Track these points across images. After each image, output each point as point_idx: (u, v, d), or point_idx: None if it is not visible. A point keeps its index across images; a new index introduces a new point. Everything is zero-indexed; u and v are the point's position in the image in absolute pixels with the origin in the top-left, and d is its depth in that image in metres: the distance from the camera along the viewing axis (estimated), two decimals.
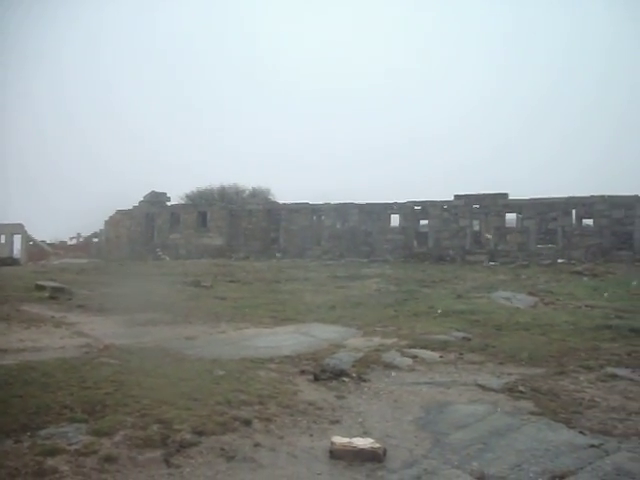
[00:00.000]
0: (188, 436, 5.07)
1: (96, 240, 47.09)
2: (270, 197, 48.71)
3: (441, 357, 8.87)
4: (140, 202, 42.73)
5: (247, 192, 49.86)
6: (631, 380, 7.64)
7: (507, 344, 9.77)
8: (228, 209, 39.41)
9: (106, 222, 44.24)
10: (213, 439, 5.12)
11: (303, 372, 7.65)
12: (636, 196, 28.28)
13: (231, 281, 20.77)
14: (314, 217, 37.10)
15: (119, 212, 43.16)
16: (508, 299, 16.01)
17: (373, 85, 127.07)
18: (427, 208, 33.40)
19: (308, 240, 36.25)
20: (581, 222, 30.13)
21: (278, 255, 35.16)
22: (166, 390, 6.28)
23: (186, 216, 39.96)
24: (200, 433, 5.17)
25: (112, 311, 13.12)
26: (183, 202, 46.53)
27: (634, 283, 20.05)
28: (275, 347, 9.16)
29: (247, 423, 5.54)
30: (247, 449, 5.03)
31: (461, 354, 9.11)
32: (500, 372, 8.02)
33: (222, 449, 4.97)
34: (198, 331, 10.73)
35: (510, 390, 7.03)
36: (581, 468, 4.72)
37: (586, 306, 14.79)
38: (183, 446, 4.93)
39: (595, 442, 5.29)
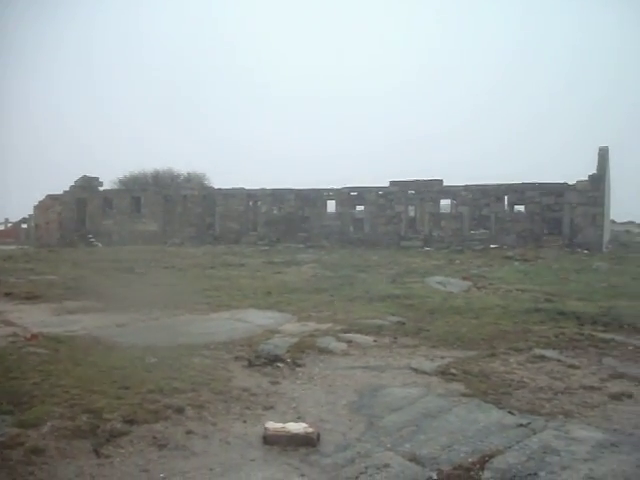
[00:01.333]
0: (118, 425, 4.98)
1: (25, 226, 45.73)
2: (206, 182, 48.17)
3: (375, 341, 8.94)
4: (71, 187, 41.58)
5: (182, 177, 49.17)
6: (558, 361, 7.87)
7: (440, 328, 9.91)
8: (162, 194, 38.81)
9: (35, 207, 42.94)
10: (144, 428, 5.04)
11: (237, 358, 7.59)
12: (565, 184, 29.09)
13: (165, 267, 20.46)
14: (250, 203, 36.90)
15: (49, 197, 41.95)
16: (442, 284, 16.26)
17: (313, 73, 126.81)
18: (363, 194, 33.60)
19: (244, 226, 36.03)
20: (513, 208, 30.84)
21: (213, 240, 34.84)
22: (96, 379, 6.14)
23: (119, 201, 39.18)
24: (131, 422, 5.08)
25: (41, 299, 12.76)
26: (116, 187, 45.52)
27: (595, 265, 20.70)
28: (209, 333, 9.06)
29: (180, 411, 5.47)
30: (179, 437, 4.97)
31: (395, 338, 9.20)
32: (433, 355, 8.12)
33: (154, 437, 4.90)
34: (130, 318, 10.51)
35: (442, 373, 7.14)
36: (509, 447, 4.82)
37: (517, 290, 15.15)
38: (113, 436, 4.84)
39: (523, 421, 5.43)
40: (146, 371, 6.60)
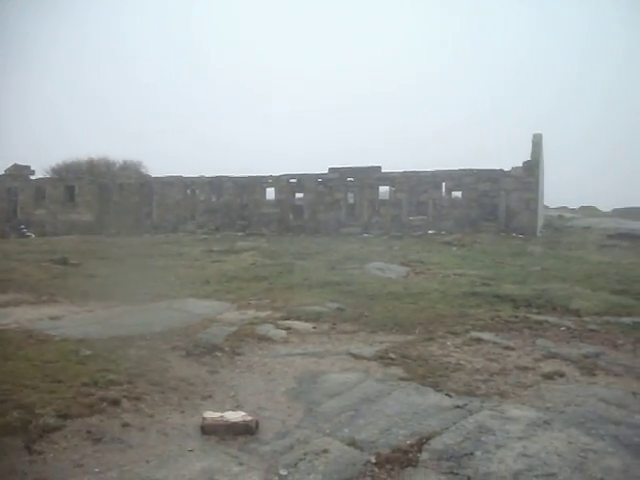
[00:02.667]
0: (51, 420, 4.85)
1: None
2: (142, 170, 47.26)
3: (315, 328, 8.95)
4: (0, 176, 40.20)
5: (118, 165, 48.07)
6: (494, 343, 8.04)
7: (379, 313, 10.00)
8: (97, 183, 37.86)
9: None
10: (79, 422, 4.92)
11: (175, 348, 7.48)
12: (501, 170, 29.57)
13: (101, 258, 20.00)
14: (188, 191, 36.34)
15: None
16: (381, 270, 16.39)
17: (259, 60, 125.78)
18: (302, 181, 33.50)
19: (182, 214, 35.55)
20: (451, 195, 31.21)
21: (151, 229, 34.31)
22: (28, 373, 5.97)
23: (52, 191, 38.00)
24: (65, 416, 4.96)
25: None
26: (49, 176, 44.22)
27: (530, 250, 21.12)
28: (146, 324, 8.90)
29: (115, 403, 5.36)
30: (115, 430, 4.88)
31: (334, 324, 9.23)
32: (372, 340, 8.19)
33: (88, 432, 4.79)
34: (64, 311, 10.25)
35: (381, 357, 7.21)
36: (447, 428, 4.90)
37: (454, 275, 15.38)
38: (46, 431, 4.71)
39: (460, 403, 5.53)
40: (80, 364, 6.44)
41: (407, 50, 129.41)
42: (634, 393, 5.99)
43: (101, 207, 37.17)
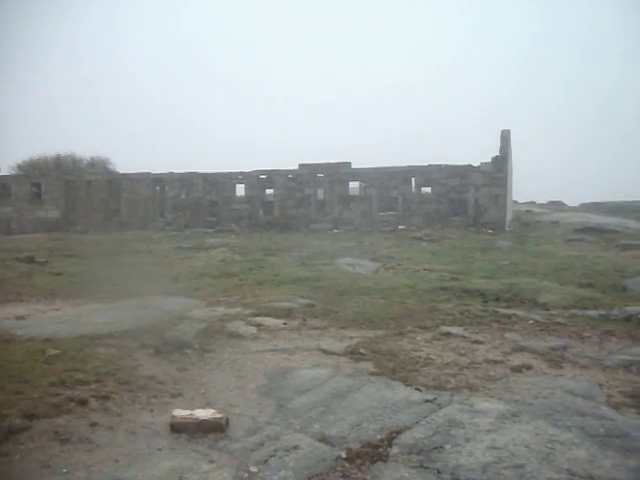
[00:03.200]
0: (17, 421, 4.76)
1: None
2: (110, 166, 46.75)
3: (285, 324, 8.93)
4: None
5: (85, 161, 47.49)
6: (463, 337, 8.09)
7: (349, 309, 10.01)
8: (65, 180, 37.33)
9: None
10: (46, 422, 4.84)
11: (144, 346, 7.40)
12: (470, 165, 29.81)
13: (69, 256, 19.78)
14: (157, 187, 36.07)
15: None
16: (351, 265, 16.43)
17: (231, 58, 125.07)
18: (272, 177, 33.45)
19: (151, 211, 35.27)
20: (420, 190, 31.38)
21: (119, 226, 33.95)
22: None
23: (18, 188, 37.39)
24: (31, 417, 4.87)
25: None
26: (14, 173, 43.53)
27: (498, 244, 21.27)
28: (115, 322, 8.80)
29: (83, 403, 5.28)
30: (83, 430, 4.80)
31: (305, 320, 9.23)
32: (342, 336, 8.19)
33: (56, 432, 4.71)
34: (31, 309, 10.11)
35: (351, 353, 7.22)
36: (416, 422, 4.92)
37: (424, 270, 15.49)
38: (12, 432, 4.61)
39: (430, 397, 5.55)
40: (47, 364, 6.34)
41: (382, 49, 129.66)
42: (600, 384, 6.08)
43: (68, 204, 36.70)
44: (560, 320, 9.24)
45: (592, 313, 9.79)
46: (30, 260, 17.59)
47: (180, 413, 4.92)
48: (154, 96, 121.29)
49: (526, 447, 4.39)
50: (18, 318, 9.28)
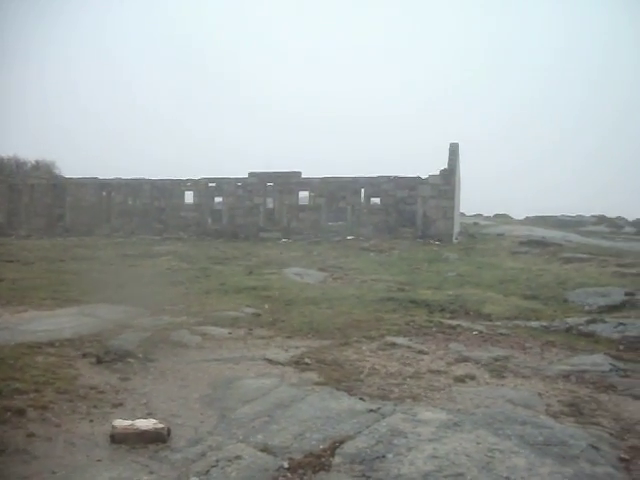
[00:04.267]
0: None
1: None
2: (55, 170, 45.83)
3: (230, 333, 8.88)
4: None
5: (29, 165, 46.48)
6: (408, 347, 8.16)
7: (296, 318, 10.02)
8: (7, 183, 36.49)
9: None
10: None
11: (85, 355, 7.26)
12: (418, 177, 30.14)
13: (9, 261, 19.28)
14: (103, 193, 35.48)
15: None
16: (299, 275, 16.44)
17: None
18: (222, 185, 33.25)
19: (97, 217, 34.67)
20: (369, 201, 31.61)
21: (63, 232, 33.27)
22: None
23: None
24: None
25: None
26: None
27: (445, 256, 21.53)
28: (56, 330, 8.59)
29: (20, 413, 5.14)
30: (19, 441, 4.67)
31: (251, 329, 9.19)
32: (288, 346, 8.18)
33: None
34: None
35: (296, 362, 7.21)
36: (359, 432, 4.94)
37: (372, 280, 15.59)
38: None
39: (373, 407, 5.58)
40: None
41: (332, 57, 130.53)
42: (540, 394, 6.20)
43: (10, 208, 35.85)
44: (503, 331, 9.41)
45: (534, 324, 10.02)
46: None
47: (121, 423, 4.83)
48: (96, 98, 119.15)
49: (467, 456, 4.44)
50: None
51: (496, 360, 7.56)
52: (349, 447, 4.62)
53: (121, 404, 5.67)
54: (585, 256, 21.14)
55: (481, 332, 9.29)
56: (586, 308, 11.67)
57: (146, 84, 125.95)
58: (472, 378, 6.74)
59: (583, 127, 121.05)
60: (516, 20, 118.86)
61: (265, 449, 4.61)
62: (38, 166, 46.21)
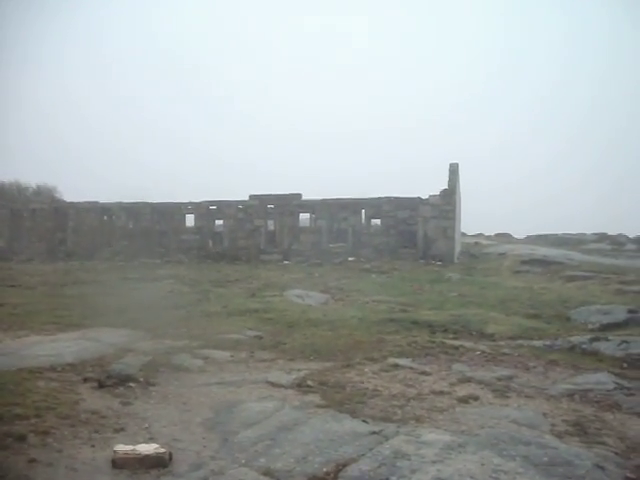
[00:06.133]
0: None
1: None
2: (57, 195, 45.92)
3: (232, 356, 8.85)
4: None
5: (31, 190, 46.61)
6: (411, 368, 8.13)
7: (298, 341, 9.99)
8: (9, 208, 36.60)
9: None
10: None
11: (87, 380, 7.23)
12: (419, 198, 30.18)
13: (11, 286, 19.26)
14: (105, 217, 35.58)
15: None
16: (301, 297, 16.39)
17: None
18: (222, 208, 33.32)
19: (98, 241, 34.69)
20: (370, 222, 31.64)
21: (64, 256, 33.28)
22: None
23: None
24: None
25: None
26: None
27: (447, 276, 21.49)
28: (57, 355, 8.56)
29: (21, 438, 5.11)
30: (21, 466, 4.65)
31: (252, 352, 9.17)
32: (290, 368, 8.15)
33: None
34: None
35: (299, 385, 7.18)
36: (363, 454, 4.91)
37: (373, 301, 15.54)
38: None
39: (376, 429, 5.54)
40: None
41: (335, 74, 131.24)
42: (544, 414, 6.16)
43: (12, 233, 35.92)
44: (506, 350, 9.38)
45: (537, 343, 9.98)
46: None
47: (122, 448, 4.80)
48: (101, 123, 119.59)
49: (471, 477, 4.41)
50: None
51: (499, 380, 7.53)
52: (352, 470, 4.58)
53: (123, 429, 5.63)
54: (587, 274, 21.11)
55: (484, 352, 9.25)
56: (589, 326, 11.63)
57: (146, 98, 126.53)
58: (475, 399, 6.71)
59: (582, 141, 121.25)
60: (517, 37, 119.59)
61: (268, 473, 4.58)
62: (39, 191, 46.34)
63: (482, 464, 4.66)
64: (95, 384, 7.05)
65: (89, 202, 35.54)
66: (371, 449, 5.01)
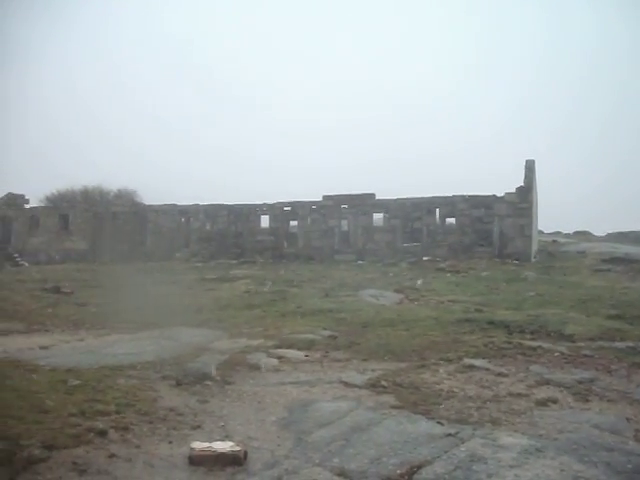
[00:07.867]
0: (37, 452, 4.74)
1: None
2: (137, 198, 47.20)
3: (307, 356, 8.89)
4: None
5: (112, 193, 47.98)
6: (487, 370, 7.97)
7: (372, 341, 9.95)
8: (92, 211, 37.86)
9: None
10: (64, 453, 4.82)
11: (165, 378, 7.40)
12: (494, 196, 29.68)
13: (94, 286, 19.95)
14: (182, 219, 36.37)
15: None
16: (375, 297, 16.35)
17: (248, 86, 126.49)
18: (296, 209, 33.57)
19: (176, 242, 35.50)
20: (444, 221, 31.26)
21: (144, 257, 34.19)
22: (14, 404, 5.85)
23: (46, 219, 37.99)
24: (50, 447, 4.85)
25: None
26: (43, 205, 44.14)
27: (524, 275, 21.09)
28: (137, 353, 8.82)
29: (102, 434, 5.25)
30: (101, 461, 4.78)
31: (327, 352, 9.18)
32: (364, 368, 8.13)
33: (74, 463, 4.69)
34: (55, 340, 10.18)
35: (373, 385, 7.15)
36: (438, 457, 4.83)
37: (448, 301, 15.37)
38: (31, 463, 4.60)
39: (452, 431, 5.45)
40: (68, 394, 6.35)
41: (407, 73, 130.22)
42: (628, 419, 5.94)
43: (95, 235, 37.13)
44: (587, 352, 9.09)
45: (620, 345, 9.63)
46: (56, 291, 17.79)
47: (199, 446, 4.88)
48: (178, 127, 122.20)
49: None
50: (42, 348, 9.35)
51: (580, 383, 7.30)
52: (427, 472, 4.52)
53: (199, 426, 5.73)
54: None
55: (563, 353, 9.00)
56: None
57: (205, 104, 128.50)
58: (555, 402, 6.52)
59: None
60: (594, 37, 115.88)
61: (341, 473, 4.57)
62: (120, 194, 47.66)
63: (562, 470, 4.52)
64: (173, 382, 7.21)
65: (167, 205, 36.41)
66: (446, 451, 4.93)
